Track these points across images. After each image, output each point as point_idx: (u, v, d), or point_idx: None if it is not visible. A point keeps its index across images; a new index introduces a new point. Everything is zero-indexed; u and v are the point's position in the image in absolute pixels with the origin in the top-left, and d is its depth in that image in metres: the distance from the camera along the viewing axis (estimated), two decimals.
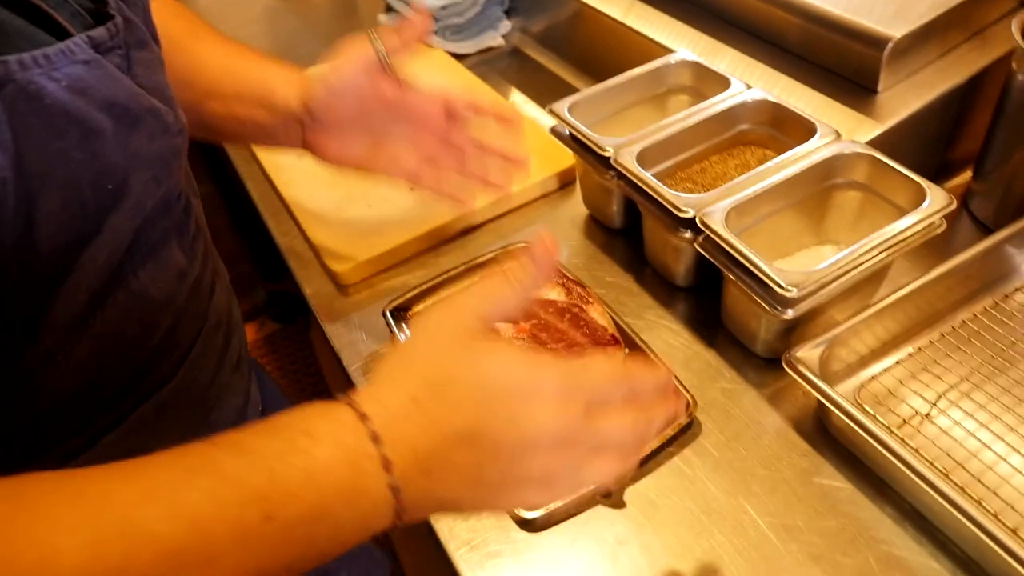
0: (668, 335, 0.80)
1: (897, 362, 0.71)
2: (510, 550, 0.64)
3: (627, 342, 0.76)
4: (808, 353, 0.67)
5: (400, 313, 0.85)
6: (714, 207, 0.71)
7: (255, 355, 2.23)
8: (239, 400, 0.75)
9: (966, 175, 0.90)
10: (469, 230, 0.96)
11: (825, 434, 0.69)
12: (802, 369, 0.65)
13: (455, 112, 0.77)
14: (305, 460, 0.35)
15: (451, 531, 0.65)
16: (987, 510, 0.55)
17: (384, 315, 0.83)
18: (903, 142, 0.82)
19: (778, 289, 0.64)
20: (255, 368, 0.83)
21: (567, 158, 0.97)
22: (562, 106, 0.86)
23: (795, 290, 0.63)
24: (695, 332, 0.80)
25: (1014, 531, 0.55)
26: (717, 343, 0.78)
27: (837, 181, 0.77)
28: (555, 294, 0.77)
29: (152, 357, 0.61)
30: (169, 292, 0.61)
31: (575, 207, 0.97)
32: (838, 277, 0.65)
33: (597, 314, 0.75)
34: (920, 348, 0.72)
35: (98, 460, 0.47)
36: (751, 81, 0.87)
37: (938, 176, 0.90)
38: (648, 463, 0.68)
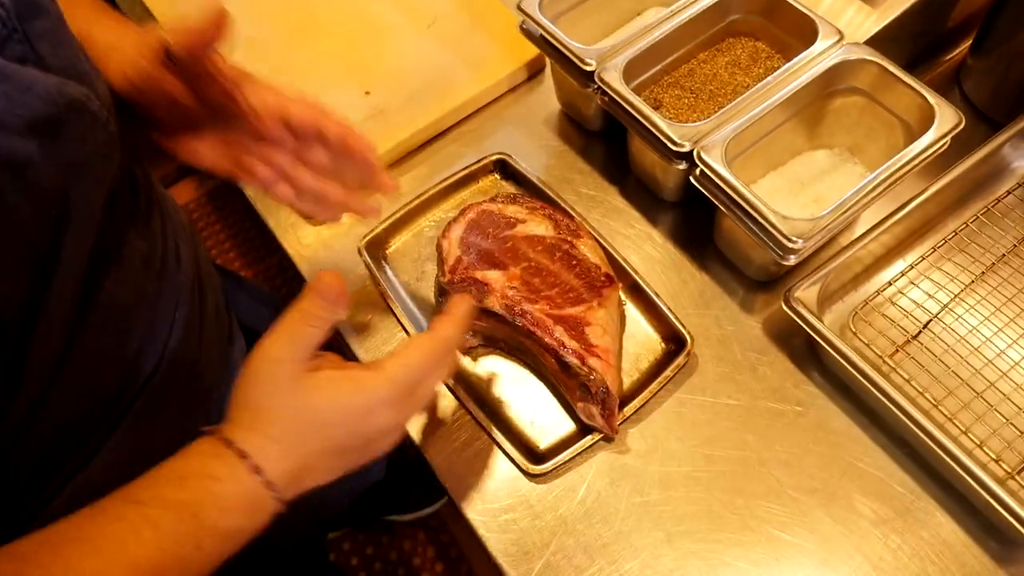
0: (657, 256, 0.77)
1: (890, 282, 0.71)
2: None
3: (619, 271, 0.74)
4: (807, 292, 0.66)
5: (377, 249, 0.80)
6: (712, 138, 0.66)
7: (198, 216, 2.14)
8: (224, 349, 0.73)
9: (962, 48, 0.85)
10: (436, 138, 0.89)
11: (819, 362, 0.70)
12: (801, 310, 0.65)
13: (299, 133, 0.61)
14: (217, 500, 0.46)
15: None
16: (965, 447, 0.58)
17: (361, 254, 0.79)
18: (904, 25, 0.75)
19: (783, 239, 0.61)
20: (227, 283, 0.81)
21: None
22: (532, 3, 0.76)
23: (800, 241, 0.61)
24: (685, 251, 0.77)
25: (996, 462, 0.59)
26: (708, 265, 0.76)
27: (838, 87, 0.72)
28: (543, 228, 0.73)
29: (136, 358, 0.58)
30: (137, 287, 0.57)
31: (548, 102, 0.90)
32: (843, 214, 0.63)
33: (588, 249, 0.72)
34: (915, 263, 0.72)
35: (102, 467, 0.58)
36: None
37: (932, 52, 0.84)
38: (649, 403, 0.69)
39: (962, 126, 0.64)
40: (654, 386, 0.68)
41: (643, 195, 0.81)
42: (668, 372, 0.69)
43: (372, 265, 0.78)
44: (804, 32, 0.71)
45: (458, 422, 0.70)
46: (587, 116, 0.83)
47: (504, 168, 0.83)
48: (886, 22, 0.71)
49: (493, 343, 0.74)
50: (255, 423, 0.48)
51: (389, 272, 0.79)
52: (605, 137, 0.86)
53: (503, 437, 0.67)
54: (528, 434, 0.69)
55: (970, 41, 0.82)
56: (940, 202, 0.72)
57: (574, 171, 0.84)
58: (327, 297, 0.50)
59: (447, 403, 0.71)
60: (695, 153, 0.65)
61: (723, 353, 0.71)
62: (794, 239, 0.60)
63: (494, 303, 0.69)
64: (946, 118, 0.64)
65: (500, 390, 0.72)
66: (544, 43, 0.76)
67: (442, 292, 0.72)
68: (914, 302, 0.70)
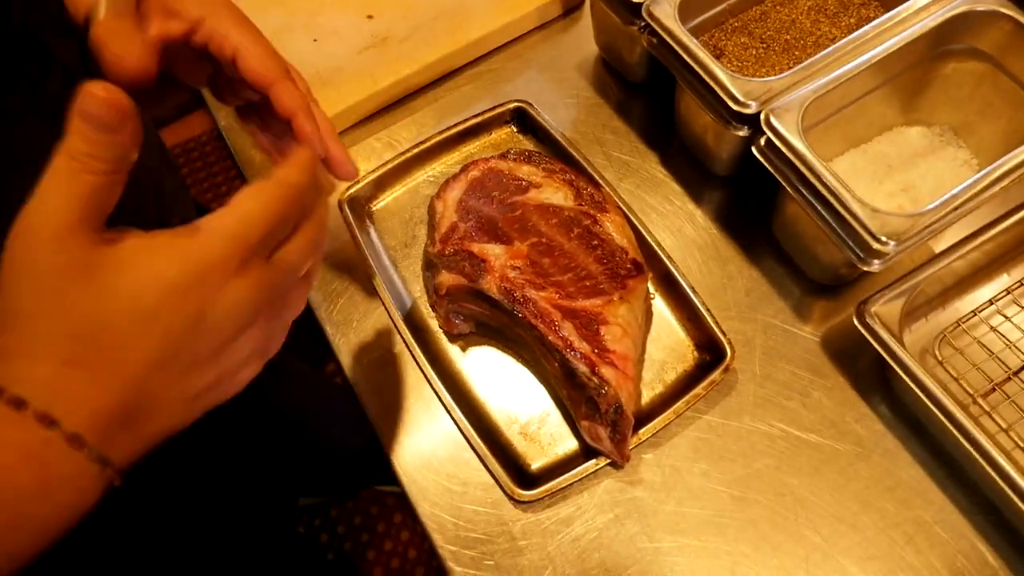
0: (698, 241, 0.63)
1: (991, 301, 0.56)
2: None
3: (649, 256, 0.60)
4: (888, 307, 0.52)
5: (361, 206, 0.67)
6: (785, 100, 0.51)
7: (210, 149, 2.02)
8: None
9: None
10: (445, 77, 0.74)
11: (890, 394, 0.56)
12: (879, 330, 0.51)
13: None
14: None
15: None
16: None
17: (341, 209, 0.66)
18: None
19: (869, 238, 0.47)
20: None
21: None
22: None
23: (892, 243, 0.46)
24: (734, 239, 0.63)
25: None
26: (761, 258, 0.62)
27: (953, 47, 0.56)
28: (560, 196, 0.59)
29: None
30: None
31: (584, 46, 0.75)
32: (951, 213, 0.48)
33: (615, 227, 0.58)
34: (1016, 285, 0.57)
35: None
36: None
37: None
38: (671, 424, 0.56)
39: None
40: (680, 405, 0.55)
41: (689, 165, 0.67)
42: (699, 389, 0.55)
43: (353, 224, 0.65)
44: None
45: (433, 424, 0.58)
46: (629, 64, 0.68)
47: (523, 119, 0.69)
48: None
49: (488, 331, 0.60)
50: (38, 345, 0.32)
51: (373, 234, 0.66)
52: (648, 91, 0.71)
53: (487, 449, 0.55)
54: (519, 448, 0.56)
55: None
56: None
57: (607, 130, 0.70)
58: (102, 122, 0.32)
59: (421, 398, 0.59)
60: (762, 117, 0.51)
61: (769, 370, 0.58)
62: (884, 239, 0.46)
63: (490, 285, 0.55)
64: None
65: (490, 389, 0.59)
66: None
67: (429, 265, 0.59)
68: (1020, 328, 0.55)
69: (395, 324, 0.61)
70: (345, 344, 0.62)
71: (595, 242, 0.57)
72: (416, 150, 0.68)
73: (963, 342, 0.56)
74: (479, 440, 0.55)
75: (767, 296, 0.61)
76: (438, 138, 0.68)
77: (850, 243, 0.49)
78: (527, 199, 0.59)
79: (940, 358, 0.55)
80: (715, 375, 0.55)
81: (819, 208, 0.50)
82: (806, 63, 0.52)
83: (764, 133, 0.52)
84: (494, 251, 0.57)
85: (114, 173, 0.33)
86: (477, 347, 0.61)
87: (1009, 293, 0.56)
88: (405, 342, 0.60)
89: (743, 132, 0.53)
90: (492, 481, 0.55)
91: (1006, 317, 0.56)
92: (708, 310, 0.57)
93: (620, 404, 0.51)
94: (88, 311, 0.32)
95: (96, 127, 0.32)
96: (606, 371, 0.51)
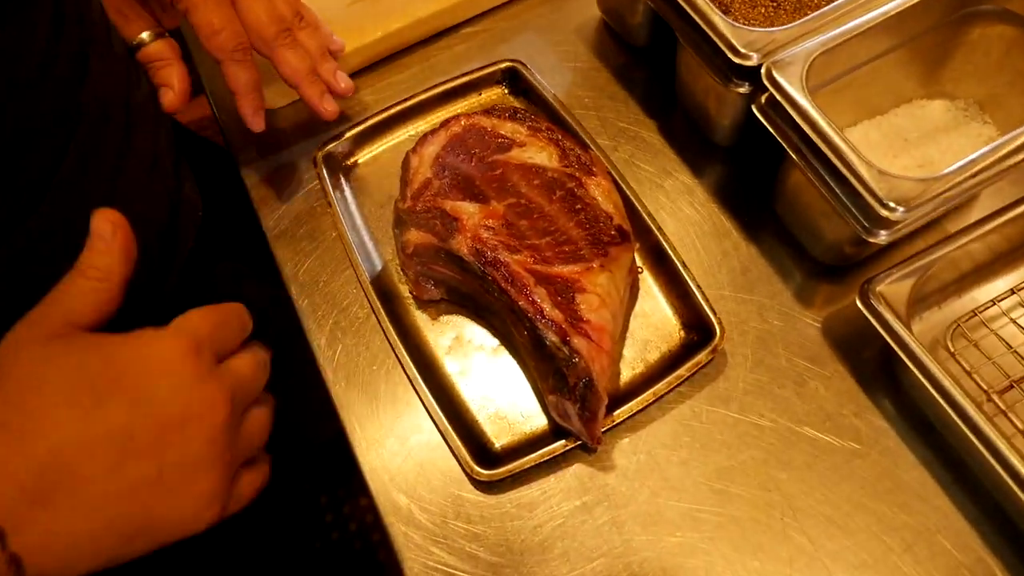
0: (694, 215, 0.58)
1: (1012, 290, 0.51)
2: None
3: (639, 228, 0.55)
4: (895, 287, 0.46)
5: (337, 163, 0.63)
6: (790, 52, 0.46)
7: (209, 134, 1.99)
8: (163, 205, 0.58)
9: None
10: (440, 35, 0.70)
11: (895, 387, 0.51)
12: (883, 312, 0.45)
13: None
14: None
15: None
16: None
17: (316, 164, 0.62)
18: None
19: (875, 203, 0.42)
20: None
21: None
22: None
23: (901, 210, 0.41)
24: (732, 214, 0.58)
25: None
26: (761, 235, 0.57)
27: (980, 8, 0.51)
28: (544, 156, 0.55)
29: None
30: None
31: (586, 8, 0.70)
32: (968, 181, 0.43)
33: (601, 192, 0.53)
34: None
35: None
36: None
37: None
38: (650, 407, 0.51)
39: None
40: (661, 386, 0.50)
41: (689, 134, 0.62)
42: (683, 371, 0.50)
43: (328, 181, 0.61)
44: None
45: (395, 394, 0.54)
46: (631, 26, 0.64)
47: (515, 80, 0.65)
48: None
49: (460, 299, 0.56)
50: None
51: (348, 193, 0.62)
52: (651, 57, 0.66)
53: (448, 423, 0.50)
54: (484, 425, 0.52)
55: None
56: None
57: (604, 95, 0.65)
58: (107, 241, 0.34)
59: (383, 366, 0.54)
60: (763, 70, 0.46)
61: (762, 355, 0.53)
62: (892, 205, 0.41)
63: (461, 245, 0.51)
64: None
65: (458, 361, 0.54)
66: None
67: (399, 222, 0.55)
68: None
69: (362, 287, 0.57)
70: (309, 306, 0.58)
71: (578, 206, 0.53)
72: (400, 107, 0.64)
73: (979, 334, 0.50)
74: (440, 413, 0.51)
75: (765, 276, 0.56)
76: (424, 95, 0.64)
77: (854, 211, 0.44)
78: (508, 158, 0.55)
79: (952, 350, 0.49)
80: (701, 356, 0.51)
81: (821, 171, 0.45)
82: (814, 14, 0.47)
83: (766, 89, 0.47)
84: (468, 209, 0.52)
85: (106, 284, 0.34)
86: (448, 315, 0.56)
87: (1014, 293, 0.51)
88: (371, 305, 0.56)
89: (743, 89, 0.49)
90: (454, 460, 0.50)
91: None
92: (699, 287, 0.53)
93: (591, 378, 0.46)
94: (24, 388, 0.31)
95: (103, 241, 0.35)
96: (578, 342, 0.47)
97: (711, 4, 0.48)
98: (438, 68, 0.68)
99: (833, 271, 0.55)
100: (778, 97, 0.45)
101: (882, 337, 0.46)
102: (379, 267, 0.58)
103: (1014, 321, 0.50)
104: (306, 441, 0.95)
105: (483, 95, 0.66)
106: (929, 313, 0.51)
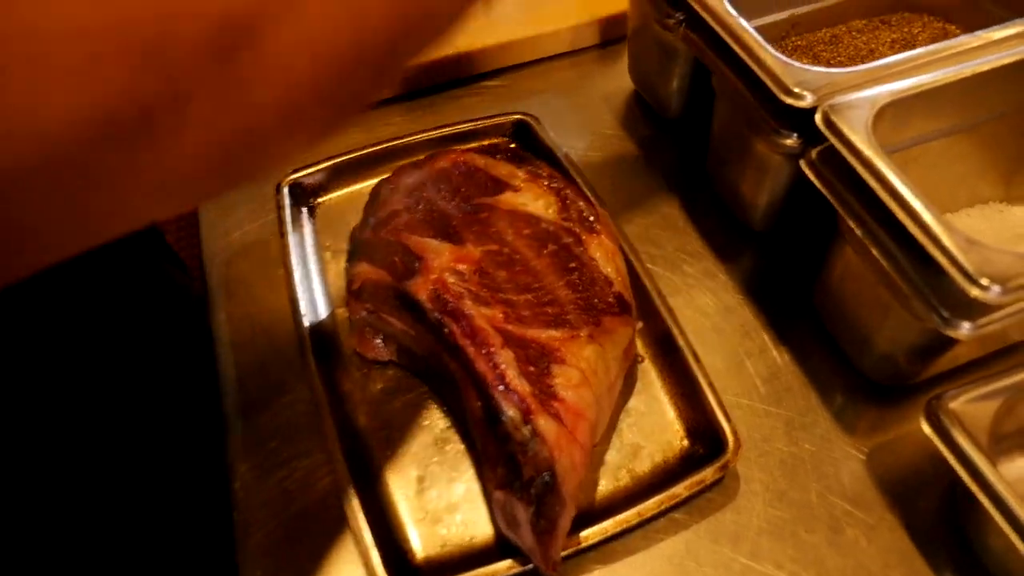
0: (714, 306, 0.48)
1: None
2: None
3: (645, 310, 0.45)
4: (972, 407, 0.35)
5: (304, 196, 0.54)
6: (855, 96, 0.37)
7: None
8: None
9: None
10: (451, 84, 0.63)
11: (964, 550, 0.38)
12: (960, 440, 0.33)
13: None
14: None
15: None
16: None
17: (279, 192, 0.53)
18: None
19: (961, 279, 0.31)
20: None
21: None
22: None
23: (996, 289, 0.30)
24: (762, 311, 0.47)
25: None
26: (795, 338, 0.46)
27: None
28: (541, 205, 0.46)
29: None
30: None
31: (617, 78, 0.63)
32: None
33: (602, 253, 0.43)
34: None
35: None
36: None
37: None
38: (632, 533, 0.38)
39: None
40: (650, 506, 0.38)
41: (718, 215, 0.52)
42: (680, 489, 0.38)
43: (287, 211, 0.52)
44: None
45: (308, 475, 0.42)
46: (665, 94, 0.56)
47: (524, 134, 0.57)
48: None
49: (413, 364, 0.45)
50: None
51: (308, 229, 0.53)
52: (682, 131, 0.58)
53: (362, 517, 0.38)
54: (408, 528, 0.39)
55: None
56: None
57: (624, 164, 0.57)
58: None
59: (297, 433, 0.43)
60: (819, 115, 0.37)
61: (787, 486, 0.40)
62: (985, 282, 0.30)
63: (419, 287, 0.41)
64: None
65: (395, 441, 0.43)
66: None
67: (352, 253, 0.45)
68: None
69: (298, 335, 0.46)
70: (231, 345, 0.47)
71: (572, 264, 0.42)
72: (387, 145, 0.56)
73: None
74: (355, 502, 0.38)
75: (797, 388, 0.44)
76: (418, 137, 0.56)
77: (929, 293, 0.33)
78: (498, 201, 0.46)
79: None
80: (706, 473, 0.38)
81: (887, 241, 0.34)
82: (883, 61, 0.39)
83: (817, 143, 0.38)
84: (436, 248, 0.42)
85: None
86: (395, 383, 0.45)
87: None
88: (302, 358, 0.45)
89: (791, 141, 0.39)
90: (360, 566, 0.38)
91: None
92: (711, 386, 0.41)
93: (553, 473, 0.34)
94: None
95: None
96: (544, 423, 0.35)
97: (760, 41, 0.40)
98: (444, 116, 0.61)
99: (883, 391, 0.43)
100: (837, 145, 0.36)
101: (949, 478, 0.33)
102: (324, 316, 0.48)
103: None
104: None
105: (487, 146, 0.58)
106: (1013, 457, 0.39)
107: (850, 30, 0.49)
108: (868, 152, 0.35)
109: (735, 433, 0.39)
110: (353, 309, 0.44)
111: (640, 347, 0.45)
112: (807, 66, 0.39)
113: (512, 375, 0.37)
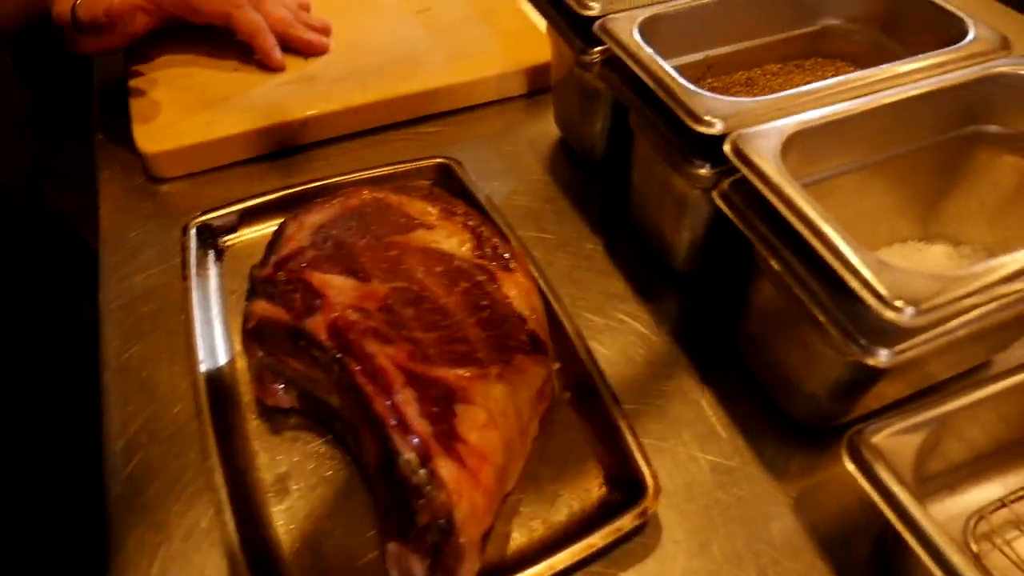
0: (636, 349, 0.46)
1: None
2: None
3: (565, 352, 0.43)
4: (895, 441, 0.33)
5: (212, 237, 0.52)
6: (764, 126, 0.37)
7: None
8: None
9: None
10: (378, 129, 0.62)
11: None
12: (883, 475, 0.32)
13: None
14: None
15: None
16: None
17: (185, 232, 0.50)
18: None
19: (875, 302, 0.30)
20: None
21: (544, 48, 0.62)
22: None
23: (910, 311, 0.29)
24: (687, 353, 0.46)
25: None
26: (721, 383, 0.44)
27: (987, 129, 0.43)
28: (455, 242, 0.44)
29: None
30: None
31: (543, 125, 0.63)
32: (996, 300, 0.31)
33: (517, 291, 0.41)
34: None
35: None
36: None
37: None
38: None
39: None
40: (563, 558, 0.35)
41: (642, 257, 0.51)
42: (596, 539, 0.35)
43: (193, 253, 0.49)
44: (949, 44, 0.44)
45: (193, 530, 0.38)
46: (589, 137, 0.56)
47: (447, 178, 0.55)
48: None
49: (315, 410, 0.42)
50: None
51: (214, 272, 0.50)
52: (606, 174, 0.57)
53: (248, 571, 0.34)
54: None
55: None
56: None
57: (549, 207, 0.56)
58: None
59: (188, 487, 0.39)
60: (728, 143, 0.36)
61: (712, 534, 0.38)
62: (899, 304, 0.29)
63: (318, 324, 0.38)
64: None
65: (290, 494, 0.39)
66: None
67: (251, 292, 0.42)
68: None
69: (194, 381, 0.43)
70: (119, 397, 0.43)
71: (485, 302, 0.40)
72: (302, 187, 0.54)
73: (1010, 534, 0.36)
74: (243, 561, 0.35)
75: (723, 430, 0.42)
76: (337, 179, 0.54)
77: (844, 320, 0.32)
78: (410, 239, 0.44)
79: (977, 551, 0.35)
80: (623, 520, 0.36)
81: (800, 269, 0.33)
82: (795, 90, 0.39)
83: (730, 173, 0.37)
84: (339, 285, 0.40)
85: None
86: (297, 432, 0.42)
87: None
88: (196, 407, 0.41)
89: (705, 171, 0.38)
90: None
91: None
92: (631, 429, 0.39)
93: (451, 518, 0.31)
94: None
95: None
96: (444, 466, 0.32)
97: (671, 72, 0.40)
98: (368, 161, 0.59)
99: (811, 433, 0.42)
100: (746, 172, 0.35)
101: (880, 521, 0.31)
102: (223, 362, 0.45)
103: None
104: None
105: None
106: (940, 497, 0.37)
107: (765, 73, 0.50)
108: (777, 179, 0.34)
109: (655, 478, 0.37)
110: (250, 351, 0.41)
111: (559, 390, 0.43)
112: (716, 95, 0.38)
113: (412, 415, 0.34)
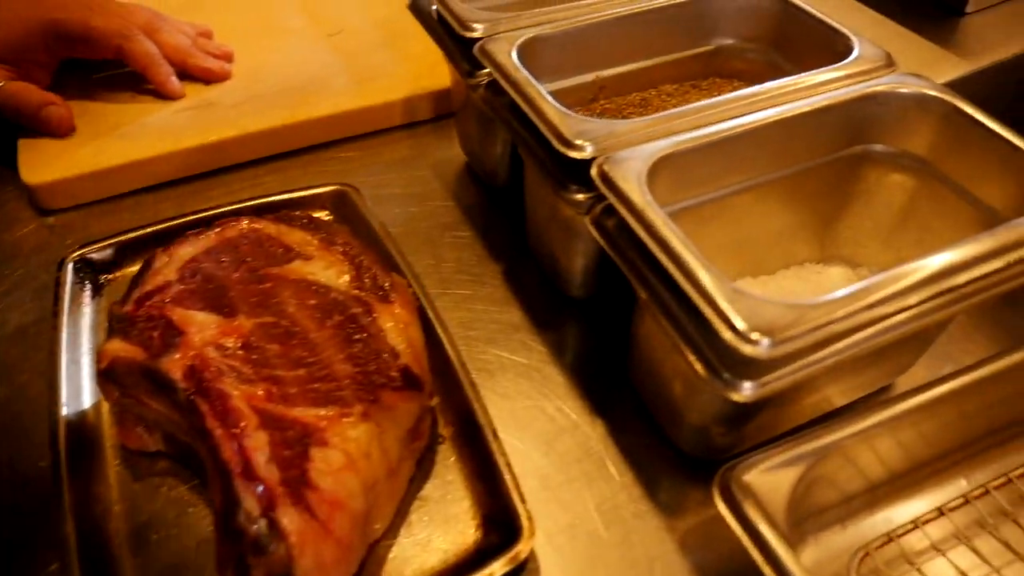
0: (529, 385, 0.44)
1: (939, 510, 0.36)
2: None
3: (448, 386, 0.41)
4: (768, 476, 0.32)
5: (91, 272, 0.49)
6: (633, 151, 0.35)
7: None
8: None
9: None
10: (277, 156, 0.60)
11: None
12: (750, 513, 0.30)
13: None
14: None
15: None
16: None
17: (61, 268, 0.48)
18: (992, 102, 0.47)
19: (729, 335, 0.28)
20: None
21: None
22: None
23: (765, 343, 0.28)
24: (579, 386, 0.44)
25: None
26: (611, 416, 0.43)
27: (874, 148, 0.42)
28: (332, 273, 0.42)
29: None
30: None
31: (449, 150, 0.62)
32: (860, 328, 0.30)
33: (393, 324, 0.40)
34: (991, 484, 0.37)
35: None
36: None
37: None
38: None
39: None
40: None
41: (539, 284, 0.50)
42: None
43: (67, 289, 0.46)
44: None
45: None
46: (490, 162, 0.54)
47: (343, 205, 0.54)
48: (973, 68, 0.43)
49: (182, 454, 0.40)
50: None
51: (89, 310, 0.47)
52: (510, 199, 0.56)
53: None
54: None
55: None
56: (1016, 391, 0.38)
57: (448, 234, 0.54)
58: None
59: (34, 539, 0.36)
60: (594, 168, 0.35)
61: (591, 572, 0.36)
62: (755, 336, 0.28)
63: (175, 364, 0.36)
64: None
65: (146, 546, 0.37)
66: (431, 17, 0.50)
67: (110, 330, 0.40)
68: (982, 558, 0.35)
69: (51, 424, 0.40)
70: None
71: (357, 336, 0.38)
72: (190, 218, 0.51)
73: (898, 570, 0.35)
74: None
75: (611, 465, 0.40)
76: (228, 208, 0.52)
77: (709, 352, 0.30)
78: (285, 271, 0.42)
79: None
80: (495, 566, 0.34)
81: (667, 299, 0.32)
82: (669, 112, 0.37)
83: (603, 198, 0.35)
84: (201, 322, 0.38)
85: None
86: (162, 478, 0.39)
87: (968, 502, 0.36)
88: (52, 453, 0.39)
89: (582, 196, 0.37)
90: None
91: (961, 539, 0.35)
92: (508, 466, 0.37)
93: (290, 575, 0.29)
94: None
95: None
96: (287, 515, 0.30)
97: (544, 95, 0.38)
98: (267, 189, 0.57)
99: (700, 466, 0.40)
100: (611, 198, 0.33)
101: (750, 550, 0.30)
102: (88, 405, 0.42)
103: (944, 554, 0.35)
104: None
105: None
106: (830, 532, 0.36)
107: (660, 94, 0.49)
108: (640, 204, 0.32)
109: (530, 519, 0.35)
110: (106, 392, 0.39)
111: (442, 426, 0.41)
112: (588, 118, 0.37)
113: (260, 461, 0.32)
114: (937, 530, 0.36)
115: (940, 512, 0.36)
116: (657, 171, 0.35)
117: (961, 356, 0.45)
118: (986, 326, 0.47)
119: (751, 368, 0.30)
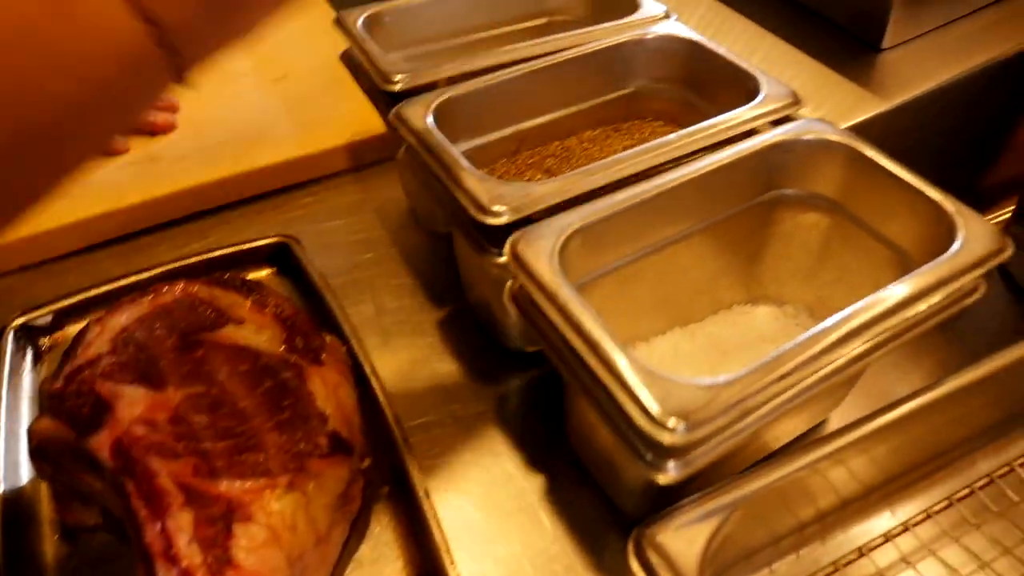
0: (466, 443, 0.45)
1: (859, 550, 0.37)
2: None
3: (383, 445, 0.42)
4: (682, 533, 0.32)
5: (31, 339, 0.49)
6: (545, 227, 0.36)
7: None
8: None
9: (1004, 210, 0.57)
10: (223, 208, 0.61)
11: None
12: (661, 574, 0.31)
13: None
14: None
15: None
16: None
17: (2, 336, 0.48)
18: (913, 136, 0.48)
19: (644, 422, 0.29)
20: None
21: None
22: (356, 17, 0.51)
23: (682, 427, 0.28)
24: (519, 444, 0.45)
25: None
26: (553, 475, 0.43)
27: (786, 192, 0.43)
28: (265, 337, 0.42)
29: None
30: None
31: (395, 193, 0.62)
32: (776, 383, 0.31)
33: (323, 387, 0.40)
34: (911, 521, 0.38)
35: None
36: (682, 11, 0.52)
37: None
38: None
39: (1007, 254, 0.33)
40: None
41: (479, 335, 0.50)
42: None
43: (7, 361, 0.47)
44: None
45: None
46: (428, 210, 0.55)
47: (286, 259, 0.54)
48: (887, 107, 0.44)
49: (119, 531, 0.40)
50: None
51: (29, 375, 0.48)
52: (451, 243, 0.57)
53: None
54: None
55: (1017, 199, 0.53)
56: (964, 412, 0.39)
57: (391, 280, 0.54)
58: None
59: None
60: (509, 244, 0.36)
61: None
62: (671, 423, 0.28)
63: (102, 442, 0.36)
64: (976, 237, 0.34)
65: None
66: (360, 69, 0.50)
67: (41, 407, 0.40)
68: None
69: None
70: None
71: (286, 402, 0.39)
72: (133, 278, 0.52)
73: None
74: None
75: (551, 526, 0.41)
76: (170, 267, 0.53)
77: (631, 434, 0.31)
78: (218, 337, 0.42)
79: None
80: None
81: (585, 378, 0.32)
82: (584, 168, 0.38)
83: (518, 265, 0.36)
84: (130, 396, 0.38)
85: None
86: (104, 551, 0.40)
87: (888, 541, 0.37)
88: None
89: (502, 259, 0.38)
90: None
91: None
92: (439, 526, 0.38)
93: None
94: None
95: None
96: None
97: (458, 159, 0.39)
98: (214, 242, 0.58)
99: (639, 522, 0.41)
100: (522, 279, 0.34)
101: None
102: (26, 481, 0.42)
103: None
104: None
105: (249, 275, 0.55)
106: None
107: (582, 140, 0.50)
108: (552, 286, 0.33)
109: None
110: (39, 470, 0.39)
111: (378, 485, 0.42)
112: (505, 182, 0.38)
113: (182, 543, 0.32)
114: (857, 572, 0.37)
115: (859, 553, 0.37)
116: (571, 243, 0.35)
117: (892, 386, 0.46)
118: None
119: (673, 449, 0.30)
